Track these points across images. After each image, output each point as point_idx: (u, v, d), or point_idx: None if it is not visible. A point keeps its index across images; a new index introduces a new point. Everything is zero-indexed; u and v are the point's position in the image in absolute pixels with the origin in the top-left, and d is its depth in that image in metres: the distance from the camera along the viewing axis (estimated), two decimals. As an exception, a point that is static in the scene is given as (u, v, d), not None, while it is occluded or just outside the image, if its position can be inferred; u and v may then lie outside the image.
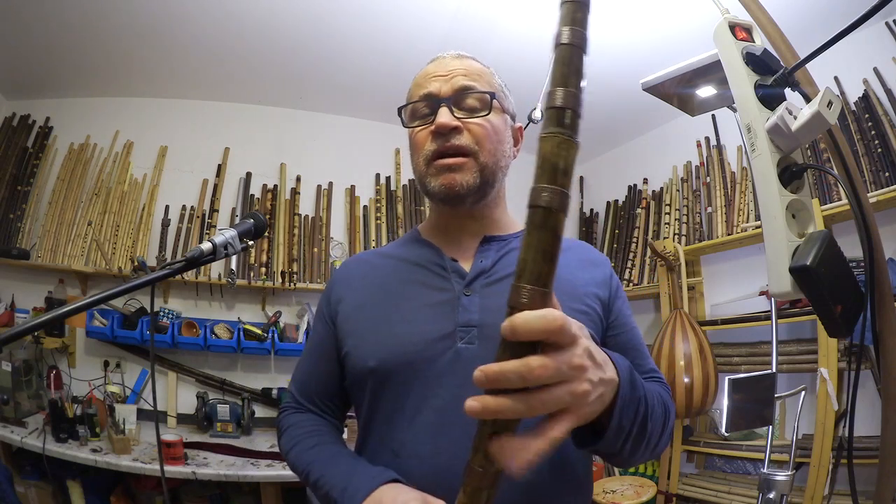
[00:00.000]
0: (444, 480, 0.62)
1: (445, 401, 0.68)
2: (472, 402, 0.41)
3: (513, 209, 0.84)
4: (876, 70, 2.23)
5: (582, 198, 3.82)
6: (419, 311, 0.74)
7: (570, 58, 0.43)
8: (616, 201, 3.55)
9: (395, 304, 0.76)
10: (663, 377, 0.81)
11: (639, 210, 3.34)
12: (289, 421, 0.84)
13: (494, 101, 0.78)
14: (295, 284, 2.86)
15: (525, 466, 0.41)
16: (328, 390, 0.84)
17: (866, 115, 2.22)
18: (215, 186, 3.03)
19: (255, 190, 3.10)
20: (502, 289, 0.69)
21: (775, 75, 0.87)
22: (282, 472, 2.20)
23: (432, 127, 0.75)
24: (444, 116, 0.74)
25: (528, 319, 0.40)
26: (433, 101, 0.77)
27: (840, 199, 2.20)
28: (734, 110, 1.07)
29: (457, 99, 0.76)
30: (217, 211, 2.98)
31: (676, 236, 3.01)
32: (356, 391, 0.79)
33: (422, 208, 3.26)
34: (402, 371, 0.70)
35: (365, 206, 3.27)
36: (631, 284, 3.18)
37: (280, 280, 2.85)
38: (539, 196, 0.42)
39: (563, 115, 0.42)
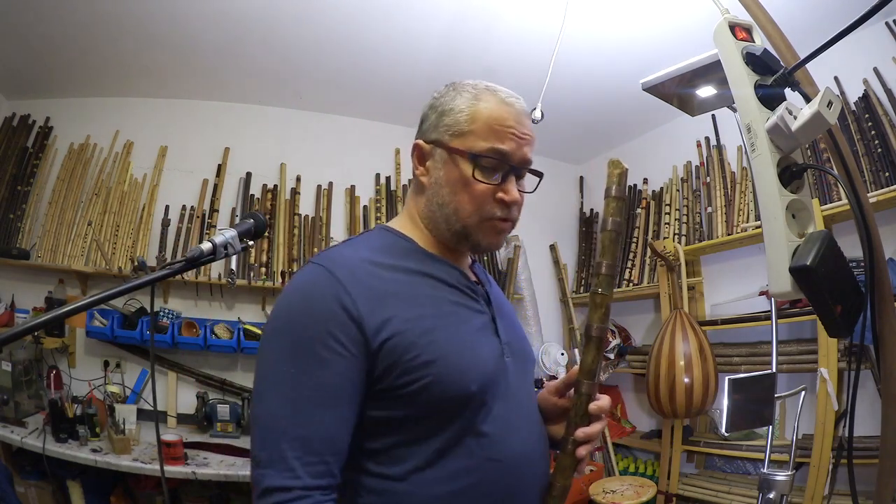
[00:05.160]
0: (529, 451, 0.80)
1: (508, 400, 0.80)
2: (587, 446, 0.79)
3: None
4: (876, 70, 2.23)
5: (582, 198, 3.82)
6: (478, 334, 0.79)
7: (613, 242, 0.79)
8: (616, 201, 3.55)
9: (455, 326, 0.76)
10: None
11: (639, 210, 3.34)
12: None
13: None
14: (295, 284, 2.86)
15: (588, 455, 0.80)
16: (345, 447, 0.69)
17: (866, 115, 2.22)
18: (215, 186, 3.02)
19: (255, 190, 3.09)
20: (501, 311, 0.88)
21: (775, 75, 0.87)
22: (282, 472, 2.20)
23: (503, 196, 0.79)
24: (516, 192, 0.80)
25: (609, 405, 0.81)
26: (504, 162, 0.79)
27: (840, 199, 2.20)
28: (734, 110, 1.07)
29: (523, 171, 0.82)
30: (217, 211, 2.98)
31: (676, 236, 3.01)
32: (423, 418, 0.72)
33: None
34: (488, 387, 0.76)
35: (365, 206, 3.27)
36: (631, 284, 3.18)
37: (280, 280, 2.85)
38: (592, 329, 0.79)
39: (612, 281, 0.79)
